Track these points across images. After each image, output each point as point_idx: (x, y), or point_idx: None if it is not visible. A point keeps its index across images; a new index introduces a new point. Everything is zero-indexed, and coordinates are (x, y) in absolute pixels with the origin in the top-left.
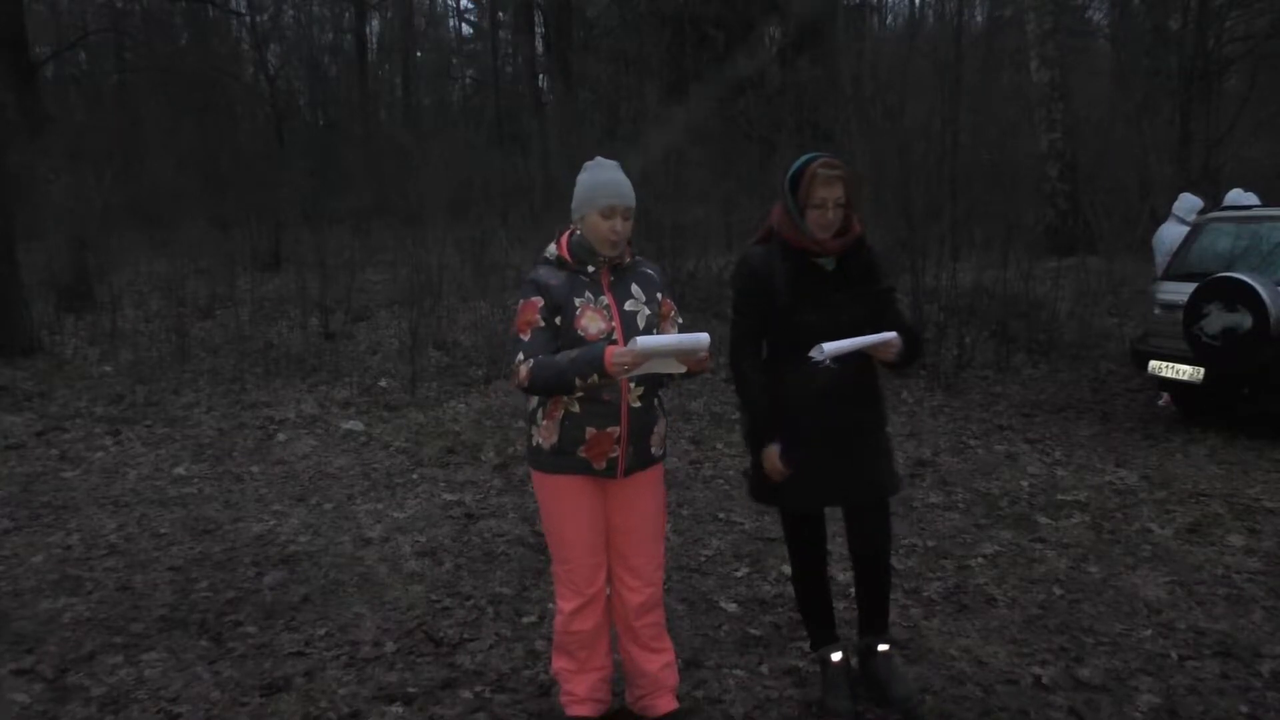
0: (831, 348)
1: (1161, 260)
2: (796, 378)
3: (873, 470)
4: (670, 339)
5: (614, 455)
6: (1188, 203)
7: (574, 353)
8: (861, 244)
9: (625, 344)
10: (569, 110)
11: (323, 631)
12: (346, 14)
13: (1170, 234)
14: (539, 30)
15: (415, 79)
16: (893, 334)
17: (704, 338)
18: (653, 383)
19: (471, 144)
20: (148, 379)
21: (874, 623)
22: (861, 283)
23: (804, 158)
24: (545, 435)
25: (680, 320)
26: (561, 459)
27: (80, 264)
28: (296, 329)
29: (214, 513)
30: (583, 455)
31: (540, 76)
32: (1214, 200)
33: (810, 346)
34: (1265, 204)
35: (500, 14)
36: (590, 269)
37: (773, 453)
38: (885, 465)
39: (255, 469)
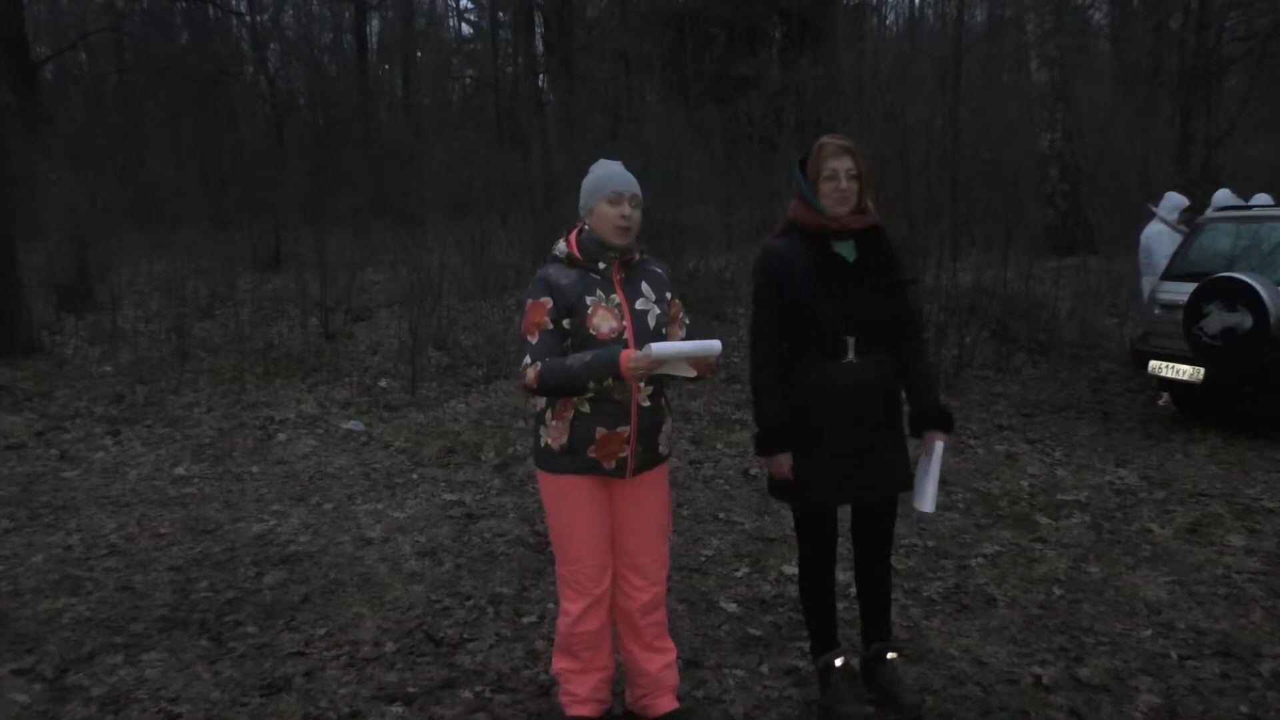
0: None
1: (1145, 261)
2: (818, 374)
3: (891, 467)
4: (685, 346)
5: (623, 455)
6: (1170, 201)
7: (587, 356)
8: (881, 233)
9: (636, 343)
10: (569, 110)
11: (323, 631)
12: (346, 14)
13: (1151, 234)
14: (539, 30)
15: (415, 79)
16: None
17: (716, 345)
18: (660, 382)
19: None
20: (148, 379)
21: (880, 628)
22: (881, 274)
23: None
24: (554, 436)
25: (687, 321)
26: (571, 459)
27: (80, 264)
28: (296, 329)
29: (214, 513)
30: (592, 455)
31: (540, 76)
32: (1204, 202)
33: (830, 339)
34: (1274, 203)
35: (500, 14)
36: (601, 265)
37: (781, 461)
38: (902, 462)
39: (255, 469)
